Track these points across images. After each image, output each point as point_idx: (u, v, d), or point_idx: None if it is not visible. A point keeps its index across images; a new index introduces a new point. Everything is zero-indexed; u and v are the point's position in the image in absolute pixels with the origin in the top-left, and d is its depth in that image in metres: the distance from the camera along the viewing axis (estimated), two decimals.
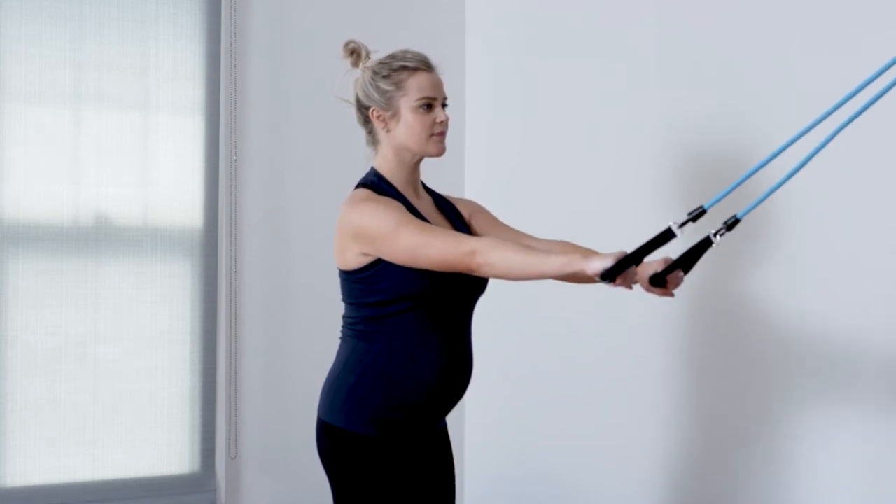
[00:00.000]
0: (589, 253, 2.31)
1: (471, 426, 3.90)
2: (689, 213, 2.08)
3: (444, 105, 2.46)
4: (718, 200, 2.08)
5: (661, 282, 2.16)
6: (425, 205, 2.51)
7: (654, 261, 2.17)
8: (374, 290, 2.38)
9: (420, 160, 2.48)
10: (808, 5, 2.72)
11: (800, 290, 2.74)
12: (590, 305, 3.33)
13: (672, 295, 2.19)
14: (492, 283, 2.55)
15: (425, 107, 2.42)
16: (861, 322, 2.59)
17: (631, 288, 2.11)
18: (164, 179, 3.52)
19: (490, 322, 3.21)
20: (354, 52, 2.49)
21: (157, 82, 3.51)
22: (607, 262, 2.05)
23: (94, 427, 3.41)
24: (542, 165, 3.63)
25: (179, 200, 3.54)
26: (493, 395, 3.74)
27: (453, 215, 2.57)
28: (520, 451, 3.67)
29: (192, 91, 3.56)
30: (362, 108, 2.48)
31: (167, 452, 3.52)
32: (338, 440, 2.39)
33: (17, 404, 3.32)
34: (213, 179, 3.59)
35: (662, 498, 3.13)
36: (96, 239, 3.42)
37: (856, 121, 2.00)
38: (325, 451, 2.44)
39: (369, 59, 2.48)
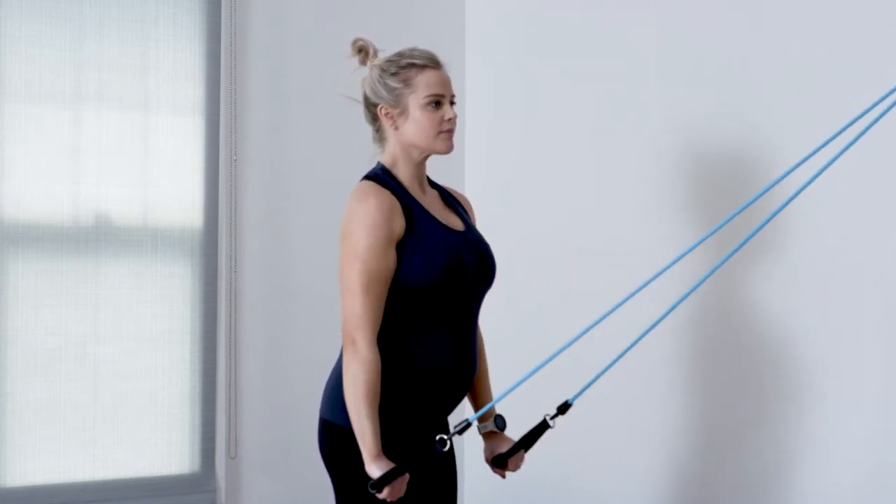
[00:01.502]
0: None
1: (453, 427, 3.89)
2: (456, 426, 2.27)
3: (452, 102, 2.46)
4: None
5: (502, 462, 2.47)
6: (432, 200, 2.51)
7: (504, 438, 2.53)
8: None
9: (427, 157, 2.49)
10: (808, 5, 2.72)
11: (799, 295, 2.74)
12: (591, 309, 3.32)
13: (503, 476, 2.53)
14: (494, 285, 2.55)
15: (434, 104, 2.42)
16: (860, 327, 2.59)
17: (394, 499, 2.28)
18: (164, 179, 3.52)
19: (490, 322, 3.20)
20: (362, 50, 2.49)
21: (157, 82, 3.51)
22: (377, 473, 2.25)
23: (94, 427, 3.41)
24: (542, 165, 3.63)
25: (179, 200, 3.54)
26: (493, 394, 3.74)
27: (459, 208, 2.58)
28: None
29: (192, 91, 3.56)
30: (370, 106, 2.48)
31: (167, 452, 3.52)
32: (340, 439, 2.39)
33: (17, 404, 3.31)
34: (213, 179, 3.59)
35: (662, 496, 3.13)
36: (96, 239, 3.42)
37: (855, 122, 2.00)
38: (327, 450, 2.44)
39: (377, 56, 2.48)
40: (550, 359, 2.23)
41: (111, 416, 3.43)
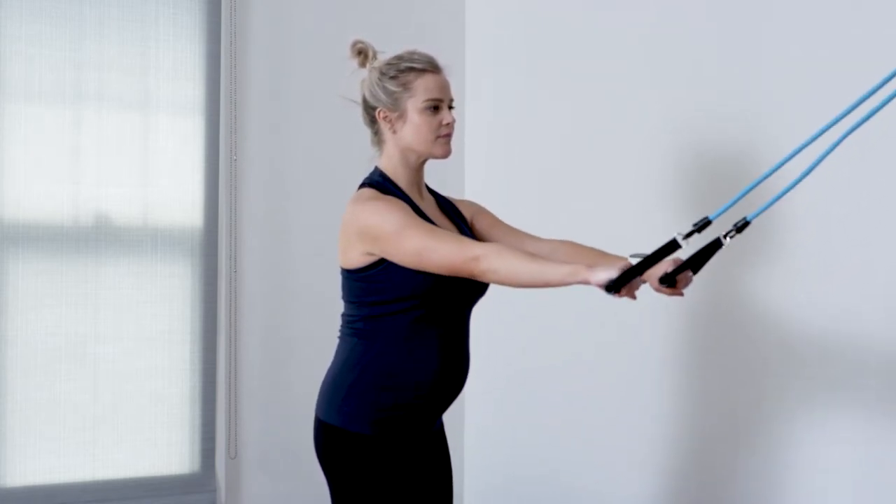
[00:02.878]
0: (596, 257, 2.34)
1: (471, 426, 3.90)
2: (695, 224, 2.08)
3: (450, 107, 2.46)
4: (725, 211, 2.07)
5: (671, 281, 2.18)
6: (428, 206, 2.52)
7: (664, 261, 2.16)
8: (376, 290, 2.38)
9: (425, 161, 2.48)
10: (809, 5, 2.72)
11: (799, 290, 2.74)
12: (590, 305, 3.33)
13: (681, 294, 2.21)
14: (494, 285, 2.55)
15: (432, 108, 2.42)
16: (861, 324, 2.60)
17: (635, 298, 2.10)
18: (164, 179, 3.52)
19: (490, 322, 3.21)
20: (362, 53, 2.49)
21: (157, 82, 3.51)
22: (612, 274, 2.04)
23: (94, 427, 3.41)
24: (543, 165, 3.63)
25: (179, 200, 3.54)
26: (493, 394, 3.74)
27: (456, 217, 2.57)
28: (520, 451, 3.67)
29: (192, 91, 3.56)
30: (369, 109, 2.47)
31: (167, 452, 3.52)
32: (335, 439, 2.40)
33: (17, 404, 3.32)
34: (213, 179, 3.59)
35: (663, 497, 3.13)
36: (96, 239, 3.42)
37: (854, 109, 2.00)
38: (322, 451, 2.44)
39: (376, 59, 2.47)
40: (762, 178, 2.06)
41: (111, 416, 3.43)
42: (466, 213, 2.63)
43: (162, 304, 3.51)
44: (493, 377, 3.68)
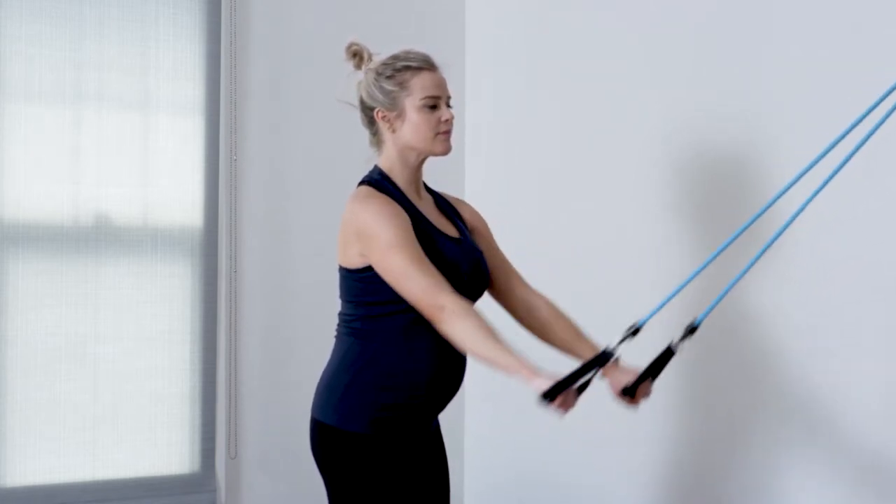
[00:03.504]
0: (570, 334, 2.56)
1: (470, 426, 3.90)
2: (625, 331, 2.23)
3: (448, 104, 2.46)
4: (650, 317, 2.23)
5: (631, 392, 2.34)
6: (426, 205, 2.51)
7: (627, 370, 2.35)
8: (374, 290, 2.38)
9: (424, 160, 2.48)
10: (809, 6, 2.72)
11: (795, 293, 2.74)
12: (590, 306, 3.33)
13: (637, 406, 2.38)
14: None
15: (430, 106, 2.42)
16: (858, 326, 2.59)
17: (566, 411, 2.22)
18: (164, 179, 3.52)
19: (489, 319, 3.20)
20: (357, 55, 2.49)
21: (157, 82, 3.51)
22: (546, 384, 2.17)
23: (94, 427, 3.41)
24: (543, 165, 3.63)
25: (179, 200, 3.54)
26: (493, 395, 3.74)
27: (454, 216, 2.57)
28: (520, 451, 3.67)
29: (192, 91, 3.56)
30: (366, 110, 2.48)
31: (167, 452, 3.52)
32: (332, 439, 2.40)
33: (17, 404, 3.32)
34: (213, 179, 3.59)
35: (663, 496, 3.13)
36: (96, 239, 3.42)
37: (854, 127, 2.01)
38: (318, 450, 2.44)
39: (372, 60, 2.48)
40: (683, 285, 2.22)
41: (111, 416, 3.43)
42: (466, 215, 2.63)
43: (162, 304, 3.51)
44: (492, 378, 3.67)
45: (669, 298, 2.23)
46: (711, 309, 2.21)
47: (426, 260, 2.32)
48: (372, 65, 2.47)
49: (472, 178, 3.89)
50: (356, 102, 2.50)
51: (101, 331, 3.43)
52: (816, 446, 2.69)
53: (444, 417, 2.57)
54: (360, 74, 2.49)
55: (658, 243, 3.14)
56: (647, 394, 2.37)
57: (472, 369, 2.63)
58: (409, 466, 2.42)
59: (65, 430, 3.38)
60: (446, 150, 2.46)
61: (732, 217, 2.74)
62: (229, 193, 3.59)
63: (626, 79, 3.28)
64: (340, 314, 2.48)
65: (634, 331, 2.22)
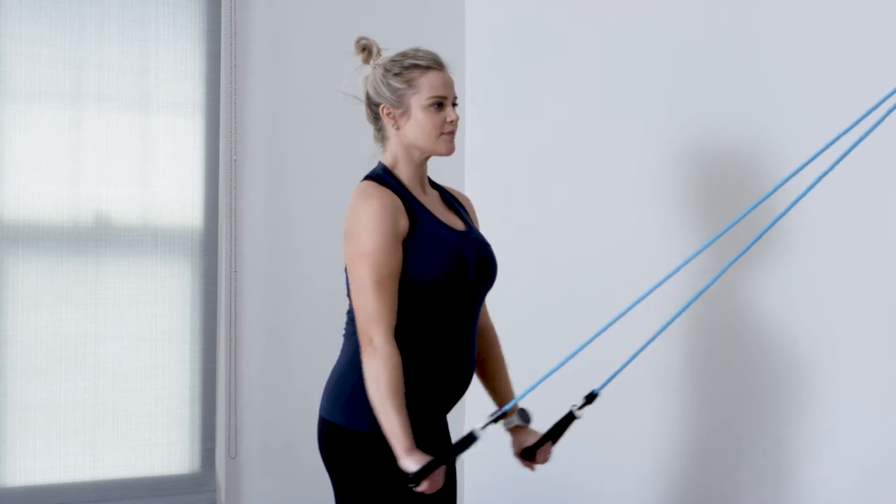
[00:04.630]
0: (494, 369, 2.68)
1: (470, 426, 3.89)
2: (491, 415, 2.32)
3: (454, 104, 2.46)
4: (530, 391, 2.31)
5: (530, 455, 2.45)
6: (432, 200, 2.51)
7: (530, 431, 2.51)
8: None
9: (428, 158, 2.49)
10: (814, 7, 2.72)
11: (798, 296, 2.74)
12: (589, 305, 3.33)
13: (533, 469, 2.51)
14: (494, 285, 2.55)
15: (436, 105, 2.42)
16: (859, 328, 2.59)
17: (432, 491, 2.28)
18: (164, 179, 3.52)
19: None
20: (366, 49, 2.49)
21: (157, 82, 3.51)
22: (413, 468, 2.23)
23: (94, 427, 3.41)
24: (543, 165, 3.63)
25: (179, 200, 3.54)
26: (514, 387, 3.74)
27: (460, 209, 2.58)
28: None
29: (192, 91, 3.56)
30: (372, 105, 2.47)
31: (167, 452, 3.52)
32: (339, 439, 2.39)
33: (17, 404, 3.31)
34: (213, 179, 3.59)
35: (663, 496, 3.13)
36: (96, 239, 3.42)
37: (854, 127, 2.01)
38: (326, 449, 2.44)
39: (380, 56, 2.47)
40: (578, 350, 2.25)
41: (111, 416, 3.43)
42: (468, 207, 2.64)
43: (162, 303, 3.51)
44: None
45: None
46: (612, 378, 2.35)
47: (389, 285, 2.33)
48: (380, 60, 2.46)
49: (471, 177, 3.90)
50: (362, 97, 2.50)
51: (101, 331, 3.43)
52: (823, 447, 2.69)
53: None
54: (367, 69, 2.49)
55: (658, 243, 3.14)
56: (545, 458, 2.51)
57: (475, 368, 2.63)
58: None
59: (65, 430, 3.37)
60: (450, 151, 2.46)
61: (732, 217, 2.74)
62: (229, 193, 3.59)
63: (625, 79, 3.29)
64: (348, 313, 2.48)
65: (500, 416, 2.33)
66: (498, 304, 2.90)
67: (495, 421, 2.30)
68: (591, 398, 2.38)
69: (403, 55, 2.45)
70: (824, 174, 2.02)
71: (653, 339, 2.30)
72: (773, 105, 2.81)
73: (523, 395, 2.34)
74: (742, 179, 2.89)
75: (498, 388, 2.66)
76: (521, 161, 3.73)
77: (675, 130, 3.12)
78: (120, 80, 3.46)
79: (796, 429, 2.75)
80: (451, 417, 2.71)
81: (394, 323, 2.33)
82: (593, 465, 3.37)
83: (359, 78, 2.51)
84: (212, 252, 3.58)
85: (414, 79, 2.41)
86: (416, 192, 2.47)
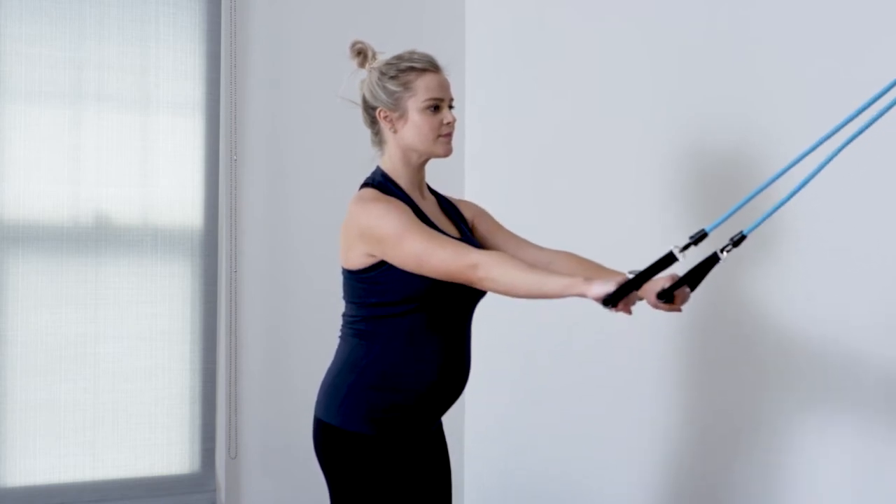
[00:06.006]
0: (594, 270, 2.38)
1: (470, 426, 3.90)
2: (691, 237, 2.09)
3: (451, 106, 2.46)
4: (721, 223, 2.08)
5: (668, 297, 2.16)
6: (430, 206, 2.52)
7: (661, 277, 2.16)
8: (378, 291, 2.38)
9: (426, 161, 2.49)
10: (814, 7, 2.72)
11: (798, 294, 2.74)
12: (588, 304, 3.33)
13: (679, 310, 2.20)
14: None
15: (433, 108, 2.42)
16: (860, 328, 2.59)
17: (630, 313, 2.11)
18: (164, 179, 3.52)
19: (491, 323, 3.21)
20: (361, 53, 2.49)
21: (157, 82, 3.51)
22: (609, 288, 2.05)
23: (94, 427, 3.41)
24: (542, 166, 3.63)
25: (179, 200, 3.54)
26: (493, 393, 3.74)
27: (457, 217, 2.58)
28: (519, 449, 3.67)
29: (192, 91, 3.56)
30: (369, 109, 2.47)
31: (167, 452, 3.52)
32: (334, 439, 2.40)
33: (17, 404, 3.32)
34: (213, 179, 3.59)
35: (662, 494, 3.13)
36: (96, 239, 3.42)
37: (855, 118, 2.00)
38: (321, 451, 2.44)
39: (376, 59, 2.47)
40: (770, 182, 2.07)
41: (111, 416, 3.43)
42: (467, 214, 2.63)
43: (162, 304, 3.51)
44: (493, 378, 3.68)
45: (738, 208, 2.08)
46: (762, 221, 2.06)
47: (438, 234, 2.33)
48: (376, 64, 2.46)
49: (471, 177, 3.90)
50: (359, 101, 2.50)
51: (101, 331, 3.43)
52: (822, 445, 2.69)
53: (445, 417, 2.58)
54: (364, 73, 2.49)
55: (658, 243, 3.13)
56: (685, 298, 2.19)
57: (474, 369, 2.63)
58: (411, 467, 2.42)
59: (65, 430, 3.38)
60: (447, 153, 2.46)
61: (729, 229, 2.73)
62: (229, 193, 3.59)
63: (625, 79, 3.29)
64: (344, 315, 2.48)
65: (700, 237, 2.09)
66: (497, 305, 2.90)
67: (696, 243, 2.07)
68: (739, 240, 2.08)
69: (399, 58, 2.45)
70: (818, 170, 2.01)
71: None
72: (773, 105, 2.81)
73: (731, 213, 2.07)
74: (742, 180, 2.88)
75: (609, 272, 2.46)
76: (521, 161, 3.73)
77: (675, 130, 3.12)
78: (120, 80, 3.46)
79: (795, 428, 2.75)
80: (451, 418, 2.71)
81: (463, 244, 2.28)
82: (593, 464, 3.37)
83: (356, 82, 2.51)
84: (212, 252, 3.58)
85: (410, 81, 2.41)
86: (415, 197, 2.47)
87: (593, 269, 2.48)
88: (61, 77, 3.38)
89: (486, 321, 2.92)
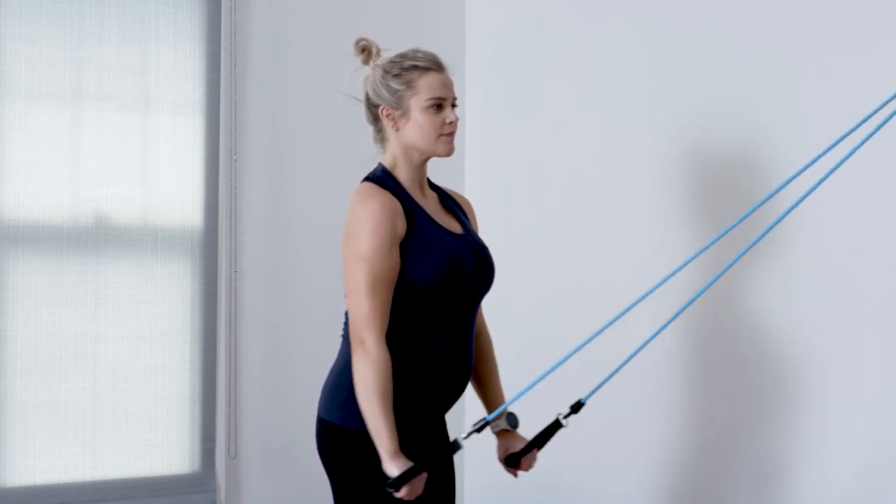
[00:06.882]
0: (486, 375, 2.65)
1: (470, 425, 3.89)
2: (474, 425, 2.31)
3: (453, 105, 2.46)
4: (494, 417, 2.40)
5: (515, 461, 2.47)
6: (431, 203, 2.51)
7: (517, 437, 2.52)
8: None
9: (427, 159, 2.49)
10: (814, 7, 2.72)
11: (797, 297, 2.74)
12: (592, 310, 3.33)
13: (516, 475, 2.52)
14: (494, 287, 2.55)
15: (435, 107, 2.42)
16: (859, 331, 2.59)
17: (411, 498, 2.28)
18: (164, 179, 3.52)
19: (491, 323, 3.20)
20: (365, 50, 2.49)
21: (157, 82, 3.51)
22: (395, 472, 2.24)
23: (94, 427, 3.41)
24: (543, 166, 3.63)
25: (179, 200, 3.54)
26: (504, 393, 3.74)
27: (458, 211, 2.58)
28: None
29: (192, 91, 3.56)
30: (372, 107, 2.47)
31: (167, 452, 3.52)
32: (337, 438, 2.40)
33: (17, 404, 3.31)
34: (213, 179, 3.59)
35: (662, 495, 3.13)
36: (96, 239, 3.42)
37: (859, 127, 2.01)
38: (324, 449, 2.44)
39: (380, 57, 2.47)
40: (566, 358, 2.24)
41: (111, 416, 3.43)
42: (467, 210, 2.63)
43: (162, 304, 3.51)
44: None
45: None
46: (599, 387, 2.35)
47: (383, 288, 2.34)
48: (380, 61, 2.46)
49: (471, 177, 3.90)
50: (361, 98, 2.50)
51: (101, 331, 3.43)
52: (822, 447, 2.69)
53: (446, 415, 2.57)
54: (367, 70, 2.49)
55: (658, 243, 3.14)
56: (529, 465, 2.51)
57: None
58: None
59: (65, 430, 3.37)
60: (449, 152, 2.46)
61: (733, 218, 2.74)
62: (229, 193, 3.59)
63: (626, 79, 3.29)
64: (346, 313, 2.48)
65: (483, 425, 2.31)
66: (497, 305, 2.90)
67: (479, 430, 2.31)
68: (577, 407, 2.38)
69: (402, 56, 2.45)
70: (822, 179, 2.02)
71: (641, 347, 2.31)
72: (773, 105, 2.81)
73: (508, 404, 2.39)
74: (742, 180, 2.89)
75: (487, 394, 2.66)
76: (521, 161, 3.73)
77: (675, 130, 3.12)
78: (120, 80, 3.46)
79: (794, 430, 2.75)
80: (451, 417, 2.71)
81: (386, 326, 2.34)
82: (593, 465, 3.37)
83: (359, 78, 2.51)
84: (212, 252, 3.58)
85: (413, 80, 2.41)
86: (416, 194, 2.47)
87: (486, 373, 2.66)
88: (61, 77, 3.38)
89: (488, 323, 2.92)
